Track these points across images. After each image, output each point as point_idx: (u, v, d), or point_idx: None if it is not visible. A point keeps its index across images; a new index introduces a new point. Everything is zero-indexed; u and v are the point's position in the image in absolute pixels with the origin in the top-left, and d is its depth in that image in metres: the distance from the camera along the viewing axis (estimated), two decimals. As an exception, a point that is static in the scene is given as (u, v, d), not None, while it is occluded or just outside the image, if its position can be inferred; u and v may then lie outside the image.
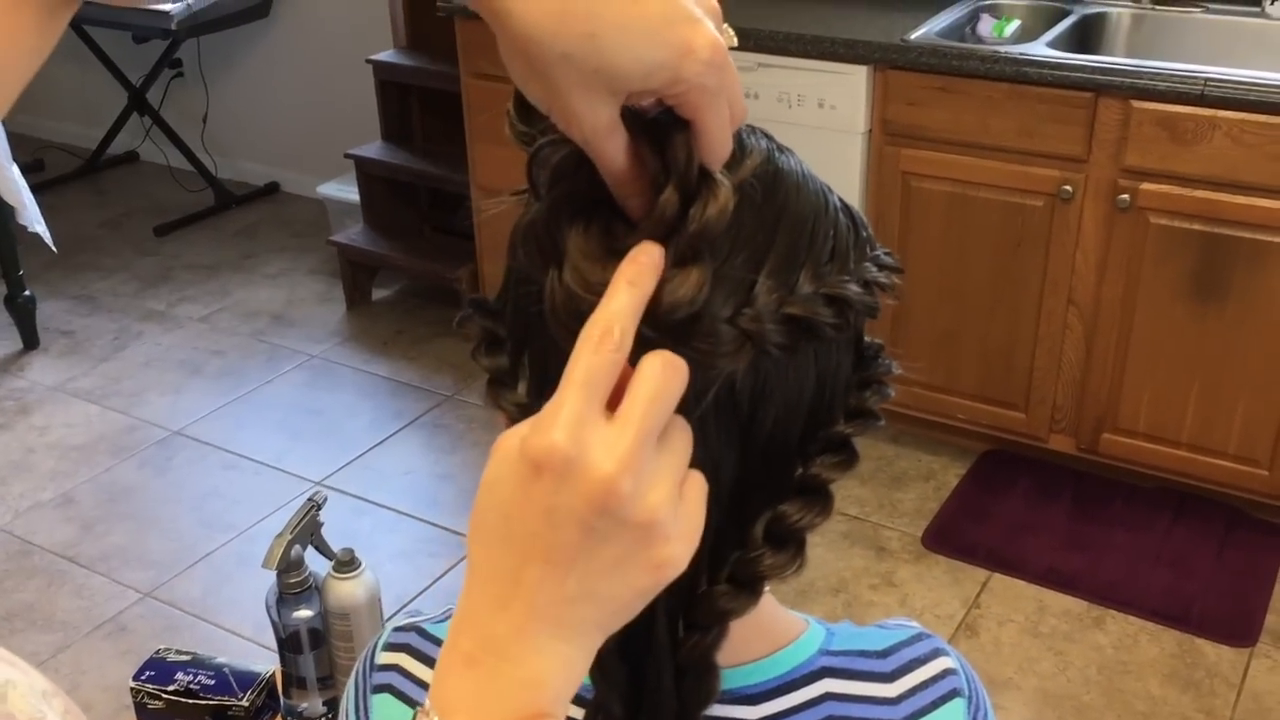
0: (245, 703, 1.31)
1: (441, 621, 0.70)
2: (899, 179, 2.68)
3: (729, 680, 0.62)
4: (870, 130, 2.68)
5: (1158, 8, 2.76)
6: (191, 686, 1.31)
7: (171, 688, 1.31)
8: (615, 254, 0.50)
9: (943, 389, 2.82)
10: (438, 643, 0.67)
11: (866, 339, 0.62)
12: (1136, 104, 2.37)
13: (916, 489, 2.82)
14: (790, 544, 0.57)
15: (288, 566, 1.28)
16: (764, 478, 0.58)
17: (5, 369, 3.47)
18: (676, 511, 0.48)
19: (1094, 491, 2.75)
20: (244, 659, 2.19)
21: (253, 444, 3.08)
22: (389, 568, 2.60)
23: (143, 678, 1.33)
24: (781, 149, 0.60)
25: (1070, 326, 2.62)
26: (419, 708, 0.49)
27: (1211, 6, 2.73)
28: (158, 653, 1.37)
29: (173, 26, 3.90)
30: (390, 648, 0.69)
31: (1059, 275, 2.59)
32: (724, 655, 0.59)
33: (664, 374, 0.47)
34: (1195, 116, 2.32)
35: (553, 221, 0.53)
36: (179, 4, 3.89)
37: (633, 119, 0.49)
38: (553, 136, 0.54)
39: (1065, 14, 2.77)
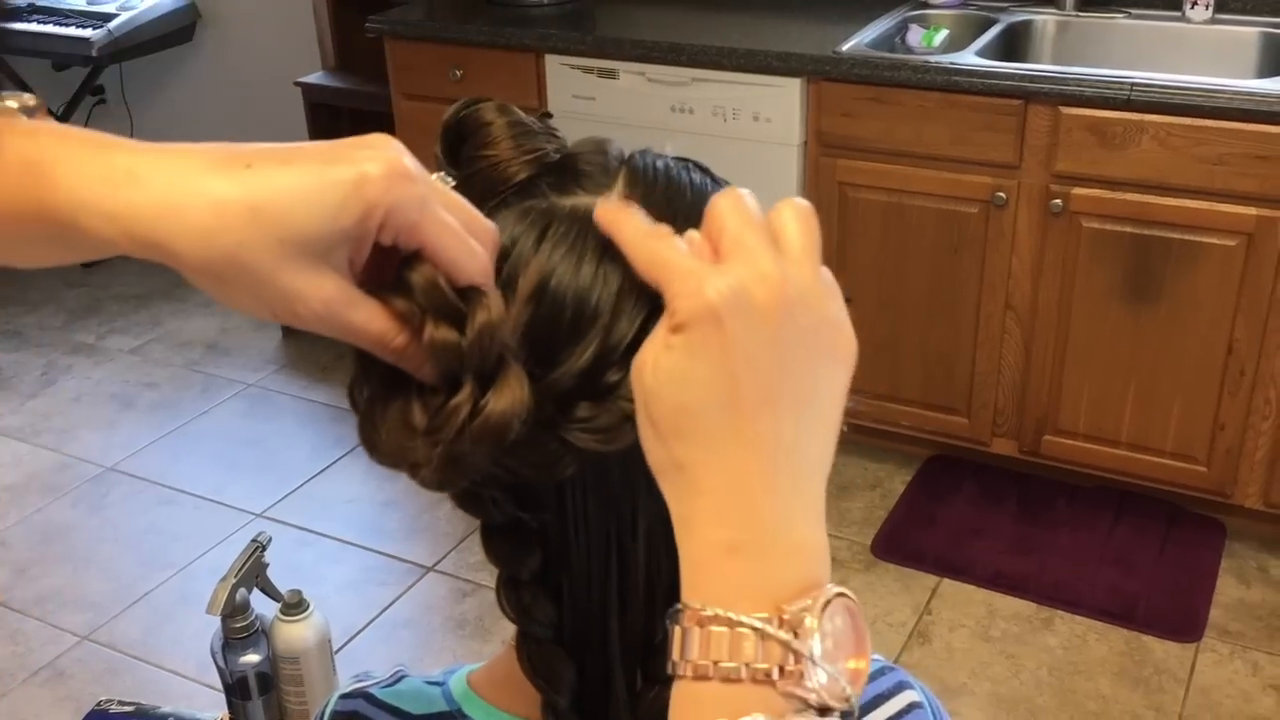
0: (193, 753, 1.27)
1: (391, 685, 0.67)
2: (835, 190, 2.70)
3: None
4: (805, 142, 2.69)
5: (1081, 14, 2.80)
6: (136, 739, 1.27)
7: (115, 741, 1.27)
8: (433, 414, 0.48)
9: (886, 396, 2.84)
10: (387, 709, 0.65)
11: None
12: (1065, 110, 2.40)
13: (864, 497, 2.83)
14: None
15: (233, 611, 1.25)
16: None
17: (-71, 409, 3.37)
18: (829, 285, 0.48)
19: (1038, 493, 2.78)
20: (188, 701, 2.14)
21: (190, 477, 3.02)
22: (335, 599, 2.56)
23: (84, 732, 1.29)
24: (718, 182, 0.59)
25: (1009, 331, 2.65)
26: (678, 610, 0.44)
27: (1133, 12, 2.77)
28: (100, 704, 1.33)
29: (94, 53, 3.82)
30: (337, 717, 0.67)
31: (996, 280, 2.62)
32: None
33: (733, 200, 0.47)
34: (1123, 121, 2.36)
35: (369, 434, 0.50)
36: (100, 30, 3.81)
37: (369, 283, 0.47)
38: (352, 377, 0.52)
39: (991, 22, 2.81)
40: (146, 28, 3.95)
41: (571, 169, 0.54)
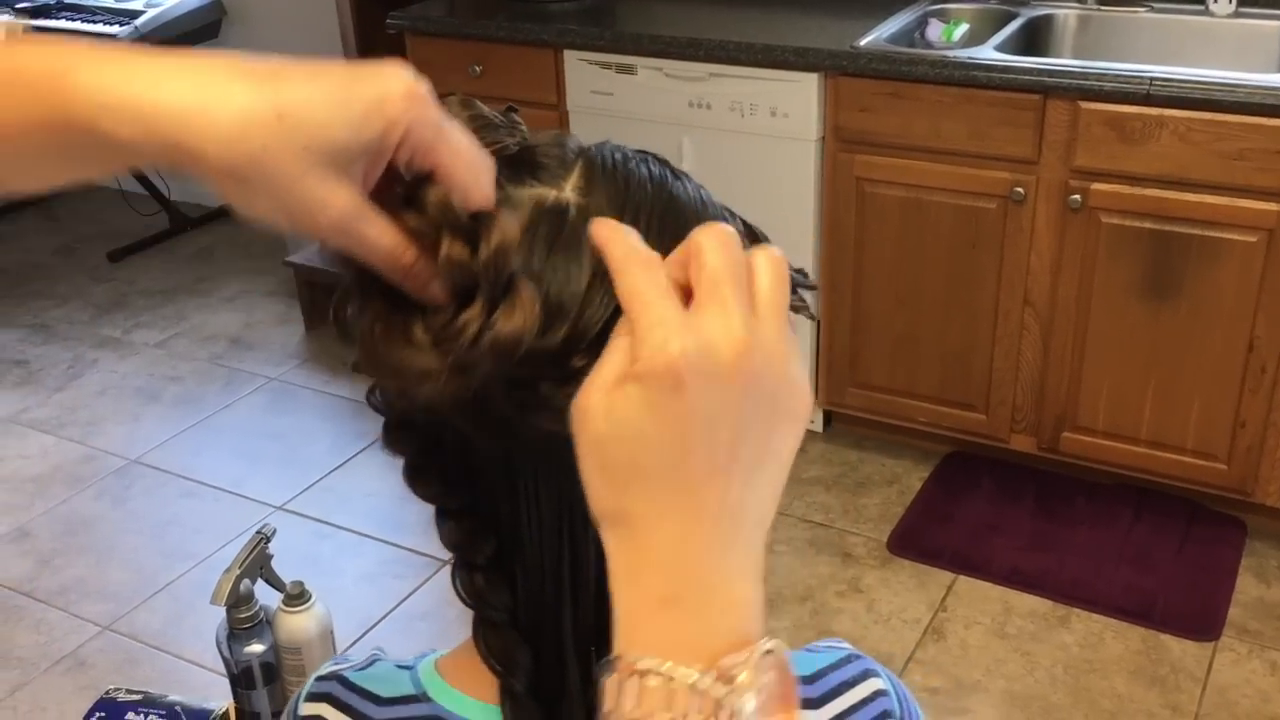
0: (198, 742, 1.29)
1: (364, 668, 0.68)
2: (853, 185, 2.69)
3: None
4: (823, 137, 2.68)
5: (1103, 8, 2.78)
6: (143, 727, 1.29)
7: (122, 729, 1.29)
8: (440, 333, 0.48)
9: (903, 392, 2.83)
10: (360, 692, 0.66)
11: None
12: (1084, 105, 2.39)
13: (880, 494, 2.83)
14: None
15: (237, 601, 1.26)
16: None
17: (-43, 402, 3.42)
18: (793, 352, 0.47)
19: (1056, 490, 2.77)
20: (205, 690, 2.16)
21: (212, 470, 3.05)
22: (352, 591, 2.58)
23: (92, 718, 1.31)
24: (679, 175, 0.58)
25: (1027, 327, 2.64)
26: (612, 661, 0.44)
27: (1156, 5, 2.75)
28: (108, 692, 1.35)
29: (120, 50, 3.86)
30: (312, 698, 0.68)
31: (1014, 276, 2.60)
32: None
33: (718, 238, 0.46)
34: (1142, 116, 2.34)
35: (372, 355, 0.50)
36: (126, 27, 3.86)
37: (381, 197, 0.48)
38: (340, 291, 0.53)
39: (1012, 17, 2.79)
40: (173, 24, 3.98)
41: (529, 161, 0.55)
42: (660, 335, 0.44)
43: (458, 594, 0.58)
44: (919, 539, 2.67)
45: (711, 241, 0.46)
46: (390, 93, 0.46)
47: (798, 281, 0.59)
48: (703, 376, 0.43)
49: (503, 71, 2.97)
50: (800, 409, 0.47)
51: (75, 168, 0.50)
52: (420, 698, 0.63)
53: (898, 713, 0.67)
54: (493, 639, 0.56)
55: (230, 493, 2.96)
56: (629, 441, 0.44)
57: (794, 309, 0.57)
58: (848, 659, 0.68)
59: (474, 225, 0.48)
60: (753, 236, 0.59)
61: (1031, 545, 2.62)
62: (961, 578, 2.55)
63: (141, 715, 1.30)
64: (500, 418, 0.51)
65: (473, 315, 0.47)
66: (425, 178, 0.48)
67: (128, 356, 3.63)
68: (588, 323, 0.51)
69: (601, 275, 0.51)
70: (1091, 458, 2.69)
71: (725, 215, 0.59)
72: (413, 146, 0.47)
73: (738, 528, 0.45)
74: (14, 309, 3.89)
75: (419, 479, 0.58)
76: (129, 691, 1.35)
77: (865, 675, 0.68)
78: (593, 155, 0.56)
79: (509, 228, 0.48)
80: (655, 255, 0.46)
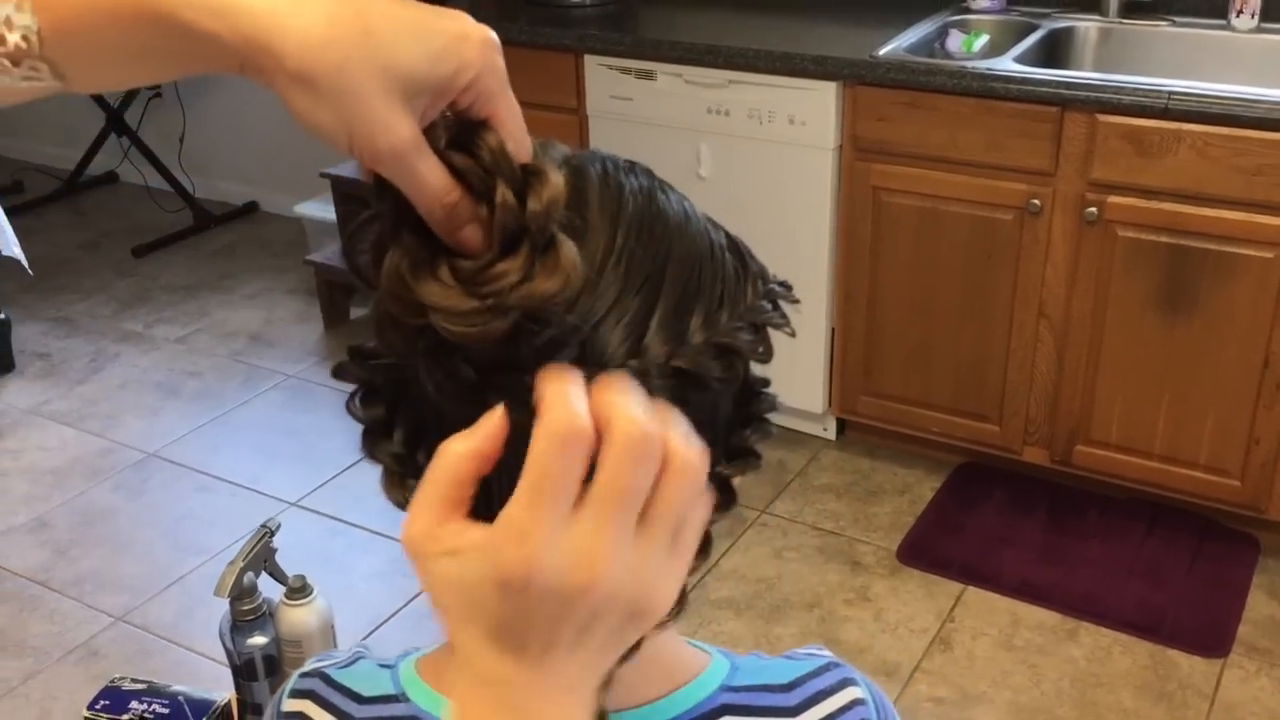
0: (200, 731, 1.30)
1: (347, 666, 0.69)
2: (870, 194, 2.69)
3: None
4: (840, 146, 2.69)
5: (1125, 21, 2.78)
6: (145, 716, 1.30)
7: (125, 717, 1.31)
8: (472, 279, 0.48)
9: (916, 402, 2.83)
10: (341, 690, 0.67)
11: (753, 374, 0.61)
12: (1102, 118, 2.38)
13: (891, 503, 2.82)
14: None
15: (240, 594, 1.28)
16: None
17: (-20, 392, 3.46)
18: (666, 567, 0.47)
19: (1068, 503, 2.76)
20: (216, 683, 2.18)
21: (228, 466, 3.07)
22: (363, 588, 2.60)
23: (97, 706, 1.32)
24: (662, 187, 0.59)
25: (1041, 339, 2.63)
26: None
27: (1178, 20, 2.74)
28: (113, 681, 1.37)
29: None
30: (295, 694, 0.69)
31: (1029, 288, 2.60)
32: (619, 697, 0.58)
33: (629, 449, 0.44)
34: (1160, 130, 2.34)
35: (401, 290, 0.49)
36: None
37: (432, 136, 0.48)
38: (361, 219, 0.53)
39: (1033, 28, 2.78)
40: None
41: None
42: (531, 540, 0.43)
43: None
44: (929, 549, 2.66)
45: (620, 452, 0.44)
46: (469, 34, 0.48)
47: (778, 294, 0.60)
48: (551, 593, 0.44)
49: (523, 75, 2.98)
50: (655, 613, 0.47)
51: (153, 65, 0.50)
52: (399, 698, 0.64)
53: None
54: None
55: (245, 488, 2.98)
56: (459, 602, 0.45)
57: (774, 326, 0.58)
58: (826, 667, 0.68)
59: (525, 177, 0.48)
60: (736, 251, 0.60)
61: (1042, 558, 2.61)
62: (970, 589, 2.55)
63: (145, 704, 1.32)
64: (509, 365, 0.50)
65: (515, 265, 0.47)
66: (480, 123, 0.49)
67: (149, 351, 3.67)
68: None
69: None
70: (1104, 471, 2.68)
71: (708, 228, 0.59)
72: (477, 92, 0.48)
73: (567, 692, 0.46)
74: (39, 302, 3.94)
75: (371, 443, 0.57)
76: (134, 680, 1.37)
77: (843, 684, 0.67)
78: (574, 164, 0.56)
79: (558, 182, 0.49)
80: (584, 430, 0.44)
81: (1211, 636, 2.39)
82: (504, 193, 0.48)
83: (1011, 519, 2.73)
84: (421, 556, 0.46)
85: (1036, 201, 2.50)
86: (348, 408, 0.58)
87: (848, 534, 2.73)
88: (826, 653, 0.71)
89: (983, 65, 2.53)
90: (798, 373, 2.92)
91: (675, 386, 0.53)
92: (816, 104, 2.65)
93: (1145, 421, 2.58)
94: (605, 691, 0.50)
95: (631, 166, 0.58)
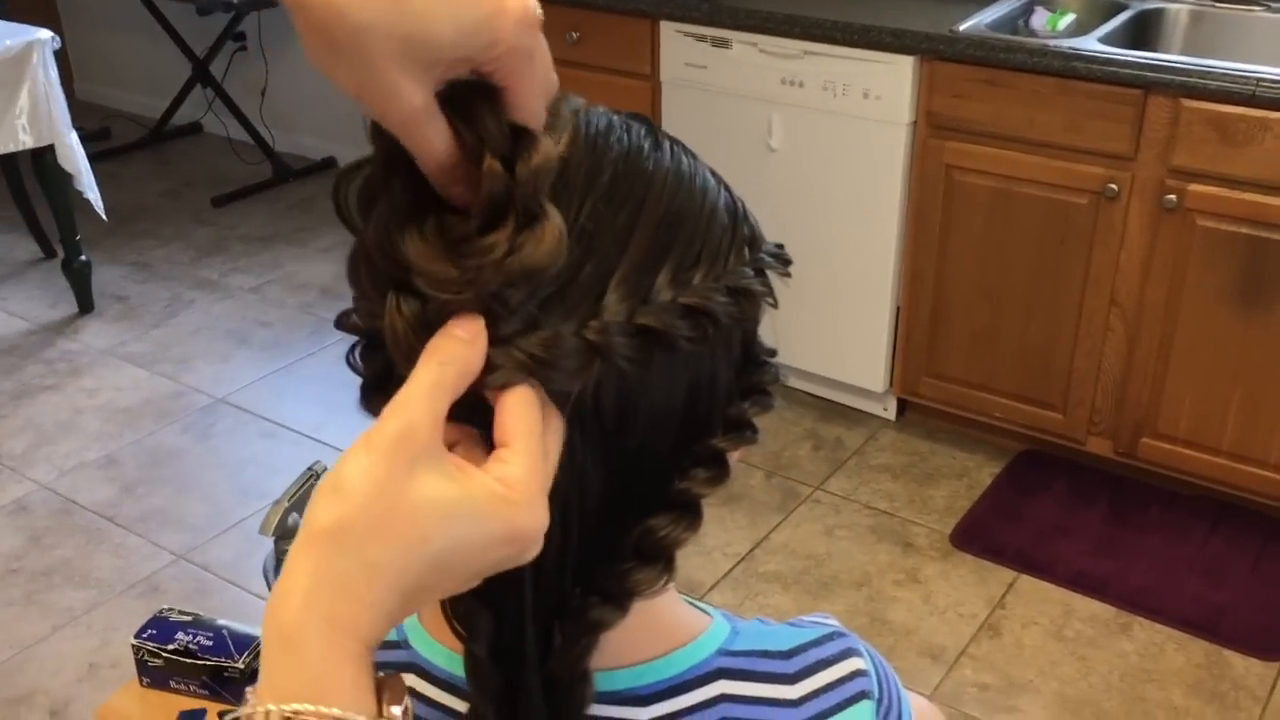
0: (241, 665, 1.33)
1: None
2: (942, 172, 2.65)
3: (619, 681, 0.61)
4: (915, 122, 2.65)
5: (1218, 5, 2.69)
6: (190, 646, 1.34)
7: (171, 646, 1.34)
8: (458, 245, 0.48)
9: (980, 386, 2.79)
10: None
11: (759, 343, 0.60)
12: (1186, 102, 2.32)
13: (948, 486, 2.79)
14: (659, 558, 0.56)
15: (284, 534, 1.30)
16: (635, 490, 0.56)
17: (59, 331, 3.55)
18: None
19: (1130, 497, 2.71)
20: (257, 623, 2.23)
21: (293, 414, 3.13)
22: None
23: (144, 635, 1.36)
24: (660, 143, 0.57)
25: (1112, 328, 2.58)
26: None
27: (1274, 5, 2.65)
28: (161, 612, 1.41)
29: (235, 0, 3.96)
30: None
31: (1102, 275, 2.54)
32: (615, 655, 0.58)
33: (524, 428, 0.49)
34: (1246, 117, 2.27)
35: (384, 239, 0.49)
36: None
37: (438, 98, 0.47)
38: (351, 163, 0.52)
39: (1122, 9, 2.71)
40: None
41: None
42: (541, 507, 0.48)
43: None
44: (983, 534, 2.63)
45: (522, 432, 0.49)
46: (506, 8, 0.46)
47: (766, 264, 0.58)
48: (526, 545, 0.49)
49: (599, 39, 2.98)
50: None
51: None
52: (401, 644, 0.64)
53: (876, 693, 0.66)
54: (455, 601, 0.56)
55: (308, 437, 3.04)
56: (449, 529, 0.46)
57: (753, 292, 0.56)
58: (829, 636, 0.67)
59: (516, 145, 0.48)
60: (732, 211, 0.58)
61: (1099, 550, 2.57)
62: (1024, 577, 2.51)
63: (190, 635, 1.35)
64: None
65: (500, 238, 0.47)
66: (488, 88, 0.48)
67: (223, 299, 3.74)
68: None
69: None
70: (1170, 466, 2.63)
71: (707, 186, 0.58)
72: (499, 64, 0.47)
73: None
74: (120, 246, 4.03)
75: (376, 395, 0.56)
76: (181, 612, 1.40)
77: (846, 654, 0.66)
78: (580, 119, 0.55)
79: (549, 151, 0.48)
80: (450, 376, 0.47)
81: (1270, 639, 2.33)
82: (490, 162, 0.47)
83: (1070, 509, 2.69)
84: (409, 457, 0.46)
85: (1114, 186, 2.44)
86: (347, 360, 0.57)
87: (901, 515, 2.70)
88: (833, 621, 0.70)
89: (1066, 44, 2.47)
90: (860, 351, 2.89)
91: (639, 346, 0.52)
92: (892, 78, 2.62)
93: (1215, 417, 2.52)
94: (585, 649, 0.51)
95: (629, 123, 0.57)
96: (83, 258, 3.58)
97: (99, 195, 3.32)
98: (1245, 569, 2.50)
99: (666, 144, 0.58)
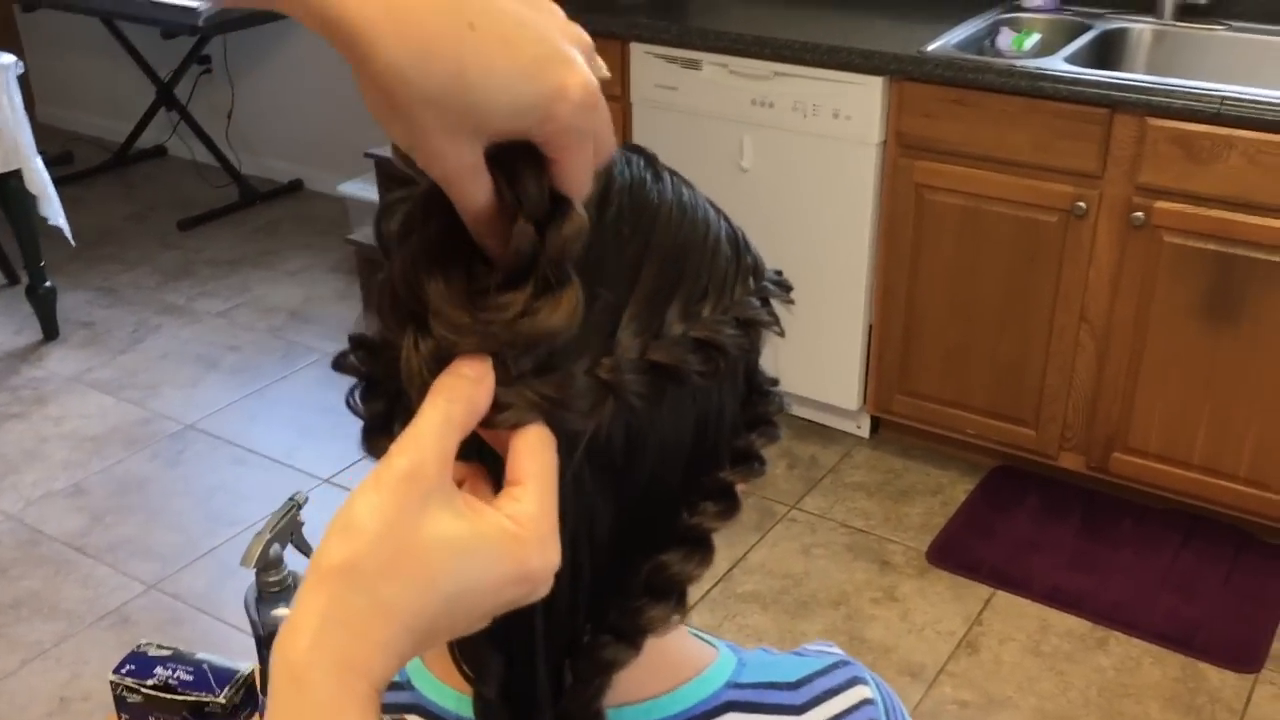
0: (223, 700, 1.31)
1: None
2: (913, 191, 2.67)
3: (627, 718, 0.60)
4: (885, 141, 2.67)
5: (1179, 24, 2.73)
6: (170, 681, 1.32)
7: (150, 682, 1.32)
8: (477, 296, 0.48)
9: (952, 403, 2.81)
10: None
11: (761, 372, 0.60)
12: (1152, 121, 2.35)
13: (923, 503, 2.80)
14: (671, 594, 0.55)
15: (266, 565, 1.29)
16: (644, 526, 0.56)
17: (24, 359, 3.51)
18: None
19: (1103, 511, 2.73)
20: (245, 654, 2.20)
21: (264, 439, 3.10)
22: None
23: (123, 671, 1.34)
24: (660, 175, 0.57)
25: (1082, 344, 2.60)
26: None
27: (1234, 24, 2.69)
28: (139, 646, 1.38)
29: (200, 23, 3.94)
30: None
31: (1071, 292, 2.57)
32: (624, 691, 0.57)
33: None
34: (1211, 135, 2.30)
35: (410, 275, 0.50)
36: (206, 1, 3.92)
37: (487, 153, 0.47)
38: (399, 194, 0.52)
39: (1086, 28, 2.75)
40: (252, 1, 4.04)
41: None
42: (552, 546, 0.48)
43: None
44: (959, 551, 2.64)
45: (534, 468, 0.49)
46: (567, 93, 0.45)
47: (770, 292, 0.58)
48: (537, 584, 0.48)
49: (569, 61, 2.99)
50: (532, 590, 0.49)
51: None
52: (405, 685, 0.63)
53: None
54: (464, 643, 0.55)
55: (280, 463, 3.01)
56: (457, 566, 0.46)
57: (760, 323, 0.56)
58: (835, 665, 0.67)
59: (551, 211, 0.48)
60: (734, 242, 0.58)
61: (1073, 565, 2.59)
62: (1000, 593, 2.53)
63: (170, 670, 1.33)
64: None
65: (517, 298, 0.48)
66: (538, 154, 0.47)
67: (190, 324, 3.71)
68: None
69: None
70: (1141, 480, 2.65)
71: (708, 217, 0.58)
72: (553, 142, 0.47)
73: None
74: (84, 272, 3.99)
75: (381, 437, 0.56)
76: (159, 647, 1.38)
77: (852, 682, 0.66)
78: None
79: (581, 224, 0.48)
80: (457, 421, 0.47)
81: (1244, 651, 2.35)
82: (523, 224, 0.47)
83: (1044, 524, 2.71)
84: (420, 494, 0.46)
85: (1082, 204, 2.47)
86: (347, 403, 0.57)
87: (877, 533, 2.71)
88: (837, 650, 0.70)
89: (1033, 64, 2.50)
90: (833, 369, 2.90)
91: (652, 382, 0.52)
92: (862, 98, 2.63)
93: (1185, 431, 2.55)
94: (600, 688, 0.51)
95: (627, 155, 0.57)
96: (48, 284, 3.54)
97: (66, 221, 3.29)
98: (1218, 582, 2.52)
99: (666, 175, 0.58)
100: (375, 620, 0.45)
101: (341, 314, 3.73)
